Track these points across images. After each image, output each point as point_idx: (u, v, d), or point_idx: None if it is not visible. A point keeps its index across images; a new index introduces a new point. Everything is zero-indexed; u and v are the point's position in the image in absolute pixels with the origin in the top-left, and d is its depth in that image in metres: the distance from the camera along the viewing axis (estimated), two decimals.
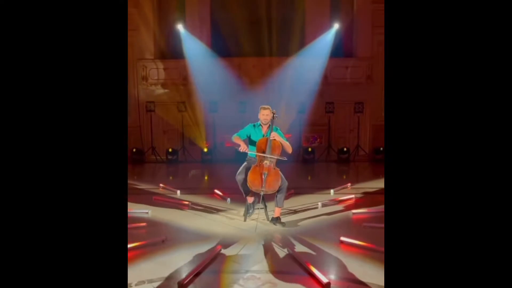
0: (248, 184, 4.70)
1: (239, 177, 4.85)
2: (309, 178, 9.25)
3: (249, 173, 4.72)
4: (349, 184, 7.35)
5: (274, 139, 4.81)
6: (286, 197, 6.37)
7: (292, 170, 10.05)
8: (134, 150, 10.75)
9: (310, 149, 10.91)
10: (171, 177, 9.64)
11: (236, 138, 4.94)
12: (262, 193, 4.71)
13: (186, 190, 7.16)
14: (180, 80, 11.19)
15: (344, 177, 9.40)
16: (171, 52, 11.42)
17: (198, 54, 10.85)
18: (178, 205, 5.98)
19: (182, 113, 10.77)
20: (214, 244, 4.22)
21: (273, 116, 5.00)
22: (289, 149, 4.90)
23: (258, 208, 5.17)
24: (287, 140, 4.98)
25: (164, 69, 11.35)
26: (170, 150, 10.73)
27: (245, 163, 5.03)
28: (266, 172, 4.66)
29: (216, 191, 6.71)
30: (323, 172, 9.99)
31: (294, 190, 6.84)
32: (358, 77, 11.28)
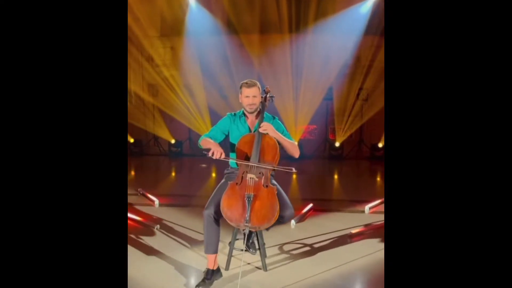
0: (223, 213, 2.58)
1: (207, 212, 2.67)
2: (334, 177, 7.02)
3: (224, 195, 2.61)
4: None
5: (266, 135, 2.70)
6: (302, 218, 4.27)
7: (314, 170, 7.83)
8: (132, 141, 8.74)
9: (338, 144, 8.62)
10: (173, 173, 7.66)
11: (204, 142, 2.81)
12: (246, 230, 2.57)
13: (173, 198, 5.12)
14: (188, 60, 9.03)
15: (378, 179, 7.09)
16: (180, 29, 9.27)
17: (210, 31, 8.63)
18: (141, 227, 3.93)
19: (188, 98, 8.69)
20: None
21: (266, 98, 2.87)
22: (294, 149, 2.79)
23: (246, 250, 3.04)
24: (291, 138, 2.86)
25: (171, 48, 9.26)
26: (173, 141, 8.69)
27: (222, 180, 2.91)
28: (251, 194, 2.54)
29: None
30: (353, 174, 7.71)
31: (314, 203, 4.67)
32: None
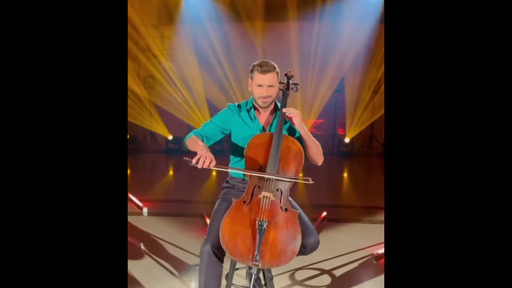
0: (223, 243, 1.81)
1: (206, 248, 1.87)
2: (346, 177, 6.29)
3: (225, 217, 1.86)
4: None
5: (288, 137, 2.00)
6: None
7: (323, 168, 7.04)
8: (127, 137, 8.00)
9: (347, 139, 7.87)
10: (171, 171, 6.95)
11: (191, 141, 2.05)
12: (254, 269, 1.85)
13: (166, 204, 4.41)
14: (186, 50, 8.24)
15: None
16: (178, 16, 8.48)
17: (210, 18, 7.83)
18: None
19: (187, 91, 7.94)
20: None
21: (289, 85, 2.13)
22: (319, 154, 2.07)
23: None
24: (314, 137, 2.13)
25: (169, 37, 8.47)
26: (170, 137, 7.95)
27: (219, 199, 2.16)
28: (265, 220, 1.81)
29: (206, 218, 3.86)
30: (366, 174, 6.98)
31: (325, 210, 3.98)
32: None
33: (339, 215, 4.10)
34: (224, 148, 6.65)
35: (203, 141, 2.07)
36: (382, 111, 7.87)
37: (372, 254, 3.01)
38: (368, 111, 8.03)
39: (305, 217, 1.99)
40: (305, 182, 1.90)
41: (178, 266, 2.82)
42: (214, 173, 6.52)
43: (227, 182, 2.22)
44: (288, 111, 1.97)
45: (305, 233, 1.88)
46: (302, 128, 2.00)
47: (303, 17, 7.67)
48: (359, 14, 7.46)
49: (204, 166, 1.83)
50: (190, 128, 8.00)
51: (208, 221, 3.66)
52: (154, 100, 8.32)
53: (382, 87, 7.83)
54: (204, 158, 1.83)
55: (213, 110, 7.52)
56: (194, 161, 1.84)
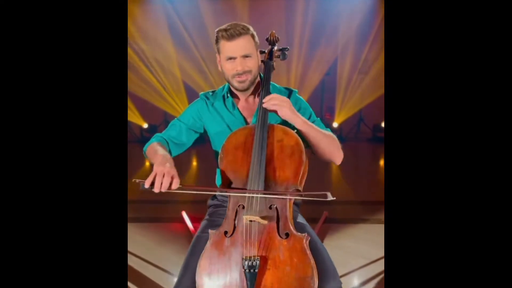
0: None
1: None
2: (336, 166, 5.83)
3: (201, 259, 1.30)
4: None
5: (278, 126, 1.43)
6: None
7: (309, 156, 6.60)
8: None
9: (335, 124, 7.42)
10: (146, 163, 6.33)
11: (150, 151, 1.49)
12: None
13: (143, 207, 3.83)
14: (164, 29, 7.50)
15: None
16: None
17: None
18: None
19: (163, 75, 7.27)
20: None
21: (272, 53, 1.58)
22: (334, 147, 1.52)
23: None
24: (325, 127, 1.57)
25: (143, 15, 7.72)
26: (145, 126, 7.27)
27: (204, 221, 1.62)
28: (254, 259, 1.25)
29: (185, 215, 3.29)
30: (358, 161, 6.53)
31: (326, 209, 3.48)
32: None
33: (338, 214, 3.62)
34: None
35: (168, 148, 1.51)
36: (373, 94, 7.41)
37: None
38: (358, 94, 7.57)
39: (320, 246, 1.45)
40: (322, 199, 1.35)
41: None
42: (194, 163, 5.94)
43: (214, 197, 1.67)
44: (270, 101, 1.38)
45: (321, 273, 1.32)
46: (297, 119, 1.40)
47: None
48: None
49: (162, 190, 1.24)
50: (167, 116, 7.36)
51: (189, 222, 3.14)
52: (132, 82, 7.62)
53: (370, 67, 7.38)
54: (161, 177, 1.24)
55: (191, 94, 6.91)
56: (147, 183, 1.25)
